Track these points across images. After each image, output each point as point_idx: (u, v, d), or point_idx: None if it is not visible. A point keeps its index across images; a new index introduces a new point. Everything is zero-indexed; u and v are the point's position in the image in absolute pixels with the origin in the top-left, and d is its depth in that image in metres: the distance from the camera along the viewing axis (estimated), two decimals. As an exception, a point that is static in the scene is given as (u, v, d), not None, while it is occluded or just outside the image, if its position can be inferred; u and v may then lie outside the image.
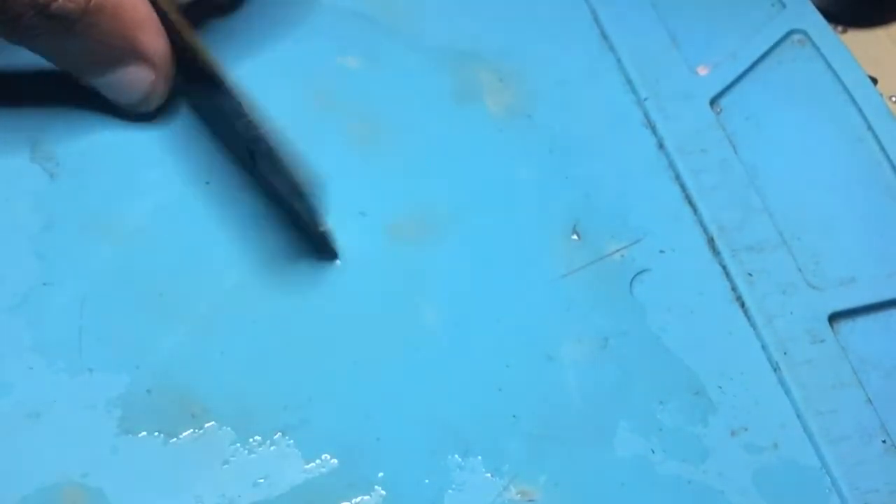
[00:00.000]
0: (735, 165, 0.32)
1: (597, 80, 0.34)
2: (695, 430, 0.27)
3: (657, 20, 0.35)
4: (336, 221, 0.28)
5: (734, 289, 0.30)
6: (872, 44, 0.38)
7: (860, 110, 0.33)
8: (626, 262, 0.30)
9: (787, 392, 0.28)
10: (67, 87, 0.28)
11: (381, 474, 0.24)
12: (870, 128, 0.32)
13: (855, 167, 0.32)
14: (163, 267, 0.27)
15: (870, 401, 0.28)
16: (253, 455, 0.24)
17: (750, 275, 0.30)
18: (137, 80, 0.27)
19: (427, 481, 0.25)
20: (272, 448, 0.24)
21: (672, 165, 0.32)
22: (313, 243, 0.27)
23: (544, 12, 0.35)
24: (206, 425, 0.24)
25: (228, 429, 0.24)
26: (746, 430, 0.27)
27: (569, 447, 0.26)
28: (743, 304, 0.29)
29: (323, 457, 0.24)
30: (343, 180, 0.29)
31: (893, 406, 0.28)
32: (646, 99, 0.33)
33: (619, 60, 0.34)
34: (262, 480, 0.24)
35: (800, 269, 0.30)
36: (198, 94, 0.29)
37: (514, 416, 0.26)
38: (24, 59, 0.27)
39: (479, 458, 0.25)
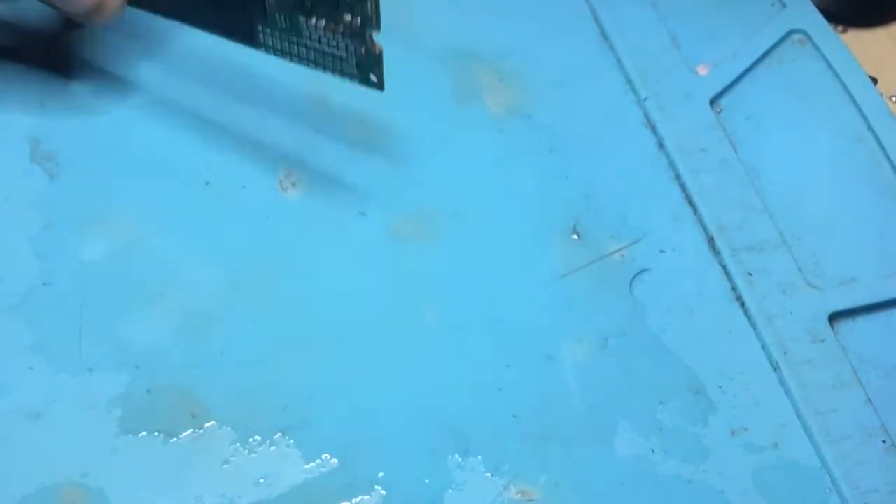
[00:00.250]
0: (735, 165, 0.32)
1: (597, 80, 0.34)
2: (695, 430, 0.27)
3: (657, 20, 0.35)
4: (336, 221, 0.29)
5: (734, 289, 0.30)
6: (872, 44, 0.38)
7: (860, 110, 0.33)
8: (626, 262, 0.30)
9: (787, 392, 0.28)
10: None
11: (381, 474, 0.24)
12: (870, 128, 0.32)
13: (855, 167, 0.32)
14: (163, 267, 0.27)
15: (870, 401, 0.28)
16: (253, 455, 0.24)
17: (750, 275, 0.30)
18: None
19: (427, 481, 0.25)
20: (272, 448, 0.24)
21: (672, 165, 0.32)
22: (362, 71, 0.27)
23: (544, 12, 0.35)
24: (206, 425, 0.24)
25: (228, 429, 0.24)
26: (746, 430, 0.27)
27: (569, 447, 0.26)
28: (743, 304, 0.29)
29: (323, 457, 0.24)
30: (343, 180, 0.29)
31: (893, 406, 0.28)
32: (646, 99, 0.33)
33: (619, 60, 0.34)
34: (262, 480, 0.24)
35: (800, 269, 0.30)
36: None
37: (514, 416, 0.26)
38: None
39: (479, 458, 0.25)
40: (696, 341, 0.28)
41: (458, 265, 0.28)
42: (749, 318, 0.29)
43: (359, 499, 0.24)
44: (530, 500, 0.25)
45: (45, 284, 0.26)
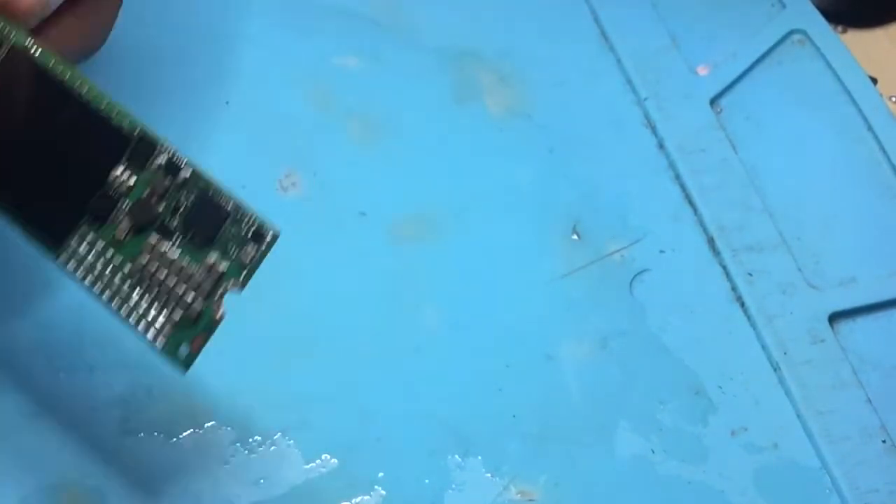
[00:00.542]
0: (735, 165, 0.32)
1: (597, 80, 0.34)
2: (695, 430, 0.27)
3: (657, 20, 0.35)
4: (336, 221, 0.29)
5: (734, 289, 0.30)
6: (872, 44, 0.38)
7: (860, 110, 0.33)
8: (626, 262, 0.30)
9: (787, 392, 0.28)
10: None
11: (381, 474, 0.24)
12: (870, 128, 0.32)
13: (855, 167, 0.32)
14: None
15: (870, 401, 0.28)
16: (253, 455, 0.24)
17: (750, 275, 0.30)
18: None
19: (427, 481, 0.25)
20: (272, 448, 0.24)
21: (672, 165, 0.32)
22: (174, 335, 0.21)
23: (544, 12, 0.35)
24: (206, 425, 0.24)
25: (228, 429, 0.24)
26: (746, 430, 0.27)
27: (569, 447, 0.26)
28: (743, 304, 0.29)
29: (323, 457, 0.24)
30: (343, 180, 0.29)
31: (893, 406, 0.28)
32: (646, 99, 0.33)
33: (619, 60, 0.34)
34: (262, 480, 0.24)
35: (800, 269, 0.30)
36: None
37: (514, 416, 0.26)
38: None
39: (479, 458, 0.25)
40: (696, 341, 0.28)
41: (458, 265, 0.28)
42: (749, 318, 0.29)
43: (359, 499, 0.24)
44: (530, 500, 0.25)
45: (45, 284, 0.26)
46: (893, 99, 0.36)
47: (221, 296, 0.21)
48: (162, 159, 0.21)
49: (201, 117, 0.30)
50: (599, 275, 0.29)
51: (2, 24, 0.20)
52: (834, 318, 0.29)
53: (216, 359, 0.25)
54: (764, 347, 0.28)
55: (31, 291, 0.25)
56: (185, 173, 0.21)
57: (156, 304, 0.20)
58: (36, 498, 0.22)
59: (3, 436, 0.23)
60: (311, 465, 0.24)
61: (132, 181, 0.21)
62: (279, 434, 0.25)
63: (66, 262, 0.21)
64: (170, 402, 0.24)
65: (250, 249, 0.21)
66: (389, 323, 0.27)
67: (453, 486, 0.25)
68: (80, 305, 0.25)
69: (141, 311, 0.20)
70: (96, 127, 0.21)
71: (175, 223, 0.21)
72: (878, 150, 0.32)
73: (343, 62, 0.32)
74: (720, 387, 0.28)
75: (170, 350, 0.20)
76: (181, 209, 0.21)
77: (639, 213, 0.31)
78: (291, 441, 0.24)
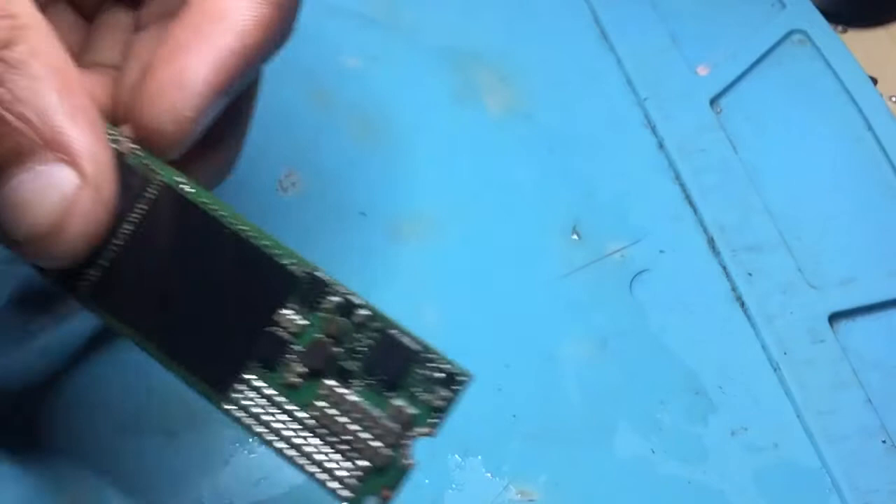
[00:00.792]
0: (735, 165, 0.32)
1: (597, 80, 0.34)
2: (695, 430, 0.27)
3: (657, 20, 0.35)
4: (336, 221, 0.29)
5: (734, 289, 0.30)
6: (872, 44, 0.38)
7: (860, 110, 0.33)
8: (626, 262, 0.30)
9: (787, 392, 0.28)
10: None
11: (381, 474, 0.24)
12: (870, 128, 0.32)
13: (855, 167, 0.32)
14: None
15: (870, 401, 0.28)
16: (253, 455, 0.24)
17: (750, 275, 0.30)
18: (48, 186, 0.17)
19: (427, 481, 0.25)
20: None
21: (672, 165, 0.32)
22: (362, 488, 0.19)
23: (544, 12, 0.35)
24: (206, 425, 0.24)
25: (229, 429, 0.24)
26: (746, 430, 0.27)
27: (569, 447, 0.26)
28: (743, 304, 0.29)
29: (323, 457, 0.24)
30: (343, 180, 0.29)
31: (893, 406, 0.28)
32: (646, 99, 0.33)
33: (619, 60, 0.34)
34: (262, 480, 0.24)
35: (800, 269, 0.30)
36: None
37: (514, 416, 0.26)
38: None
39: (479, 458, 0.25)
40: (696, 341, 0.28)
41: (457, 265, 0.28)
42: (749, 318, 0.29)
43: (359, 499, 0.24)
44: (530, 500, 0.25)
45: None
46: (893, 99, 0.36)
47: (411, 443, 0.19)
48: (335, 299, 0.19)
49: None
50: (599, 275, 0.29)
51: (147, 160, 0.20)
52: (834, 318, 0.29)
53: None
54: (764, 347, 0.28)
55: (32, 290, 0.25)
56: (362, 313, 0.19)
57: (338, 453, 0.19)
58: (36, 498, 0.22)
59: (3, 436, 0.23)
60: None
61: (302, 323, 0.19)
62: (279, 434, 0.24)
63: (233, 410, 0.19)
64: (170, 402, 0.24)
65: (441, 393, 0.19)
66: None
67: (453, 486, 0.25)
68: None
69: (321, 461, 0.19)
70: (258, 266, 0.20)
71: (354, 366, 0.19)
72: (878, 150, 0.32)
73: (343, 62, 0.32)
74: (720, 387, 0.28)
75: (355, 502, 0.19)
76: (360, 351, 0.19)
77: (639, 213, 0.31)
78: (291, 441, 0.24)
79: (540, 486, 0.25)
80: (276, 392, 0.19)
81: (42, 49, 0.17)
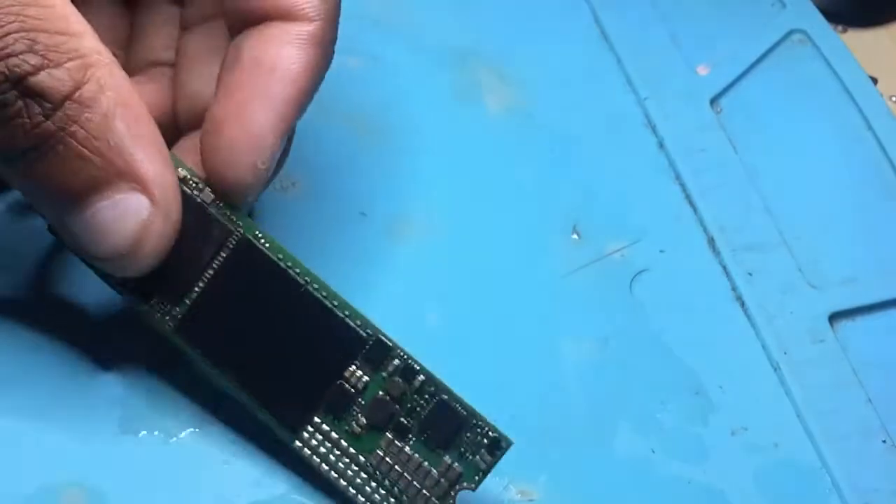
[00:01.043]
0: (735, 165, 0.32)
1: (597, 80, 0.34)
2: (695, 430, 0.27)
3: (657, 20, 0.35)
4: (336, 221, 0.28)
5: (734, 288, 0.30)
6: (872, 44, 0.38)
7: (860, 110, 0.33)
8: (626, 262, 0.30)
9: (787, 392, 0.28)
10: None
11: (381, 474, 0.24)
12: (870, 128, 0.32)
13: (855, 167, 0.32)
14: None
15: (870, 401, 0.28)
16: (253, 455, 0.24)
17: (750, 274, 0.30)
18: (125, 213, 0.19)
19: (427, 481, 0.25)
20: (272, 448, 0.24)
21: (672, 165, 0.32)
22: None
23: (544, 12, 0.35)
24: (206, 425, 0.24)
25: (228, 429, 0.24)
26: (746, 430, 0.27)
27: (569, 447, 0.26)
28: (743, 304, 0.29)
29: (323, 457, 0.24)
30: (343, 180, 0.29)
31: (893, 406, 0.28)
32: (646, 99, 0.33)
33: (619, 60, 0.34)
34: (261, 480, 0.24)
35: (800, 269, 0.30)
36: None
37: (513, 416, 0.26)
38: None
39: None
40: (696, 341, 0.28)
41: (458, 265, 0.28)
42: (749, 318, 0.29)
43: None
44: (530, 500, 0.25)
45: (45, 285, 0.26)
46: (893, 99, 0.36)
47: (455, 495, 0.22)
48: (396, 363, 0.22)
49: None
50: (599, 275, 0.29)
51: (227, 209, 0.22)
52: (834, 318, 0.29)
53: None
54: (764, 347, 0.28)
55: (32, 291, 0.25)
56: (420, 378, 0.22)
57: (392, 497, 0.22)
58: (36, 498, 0.22)
59: (3, 436, 0.23)
60: (311, 465, 0.24)
61: (366, 380, 0.22)
62: (279, 434, 0.24)
63: (302, 448, 0.22)
64: (170, 402, 0.24)
65: (486, 456, 0.22)
66: (389, 323, 0.27)
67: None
68: (80, 304, 0.25)
69: (377, 501, 0.22)
70: (329, 324, 0.22)
71: (411, 423, 0.22)
72: (878, 150, 0.32)
73: (343, 62, 0.32)
74: (720, 387, 0.28)
75: None
76: (417, 412, 0.22)
77: (639, 213, 0.31)
78: (291, 441, 0.24)
79: (540, 486, 0.25)
80: (339, 438, 0.22)
81: (109, 84, 0.18)
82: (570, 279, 0.29)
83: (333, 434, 0.22)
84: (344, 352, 0.22)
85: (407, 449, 0.22)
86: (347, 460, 0.22)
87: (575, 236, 0.30)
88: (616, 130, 0.33)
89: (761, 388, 0.28)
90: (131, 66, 0.25)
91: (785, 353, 0.28)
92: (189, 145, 0.23)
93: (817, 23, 0.34)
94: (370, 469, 0.22)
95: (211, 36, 0.24)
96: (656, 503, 0.25)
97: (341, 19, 0.23)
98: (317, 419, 0.22)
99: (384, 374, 0.22)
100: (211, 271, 0.22)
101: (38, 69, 0.17)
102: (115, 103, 0.19)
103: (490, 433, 0.22)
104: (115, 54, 0.20)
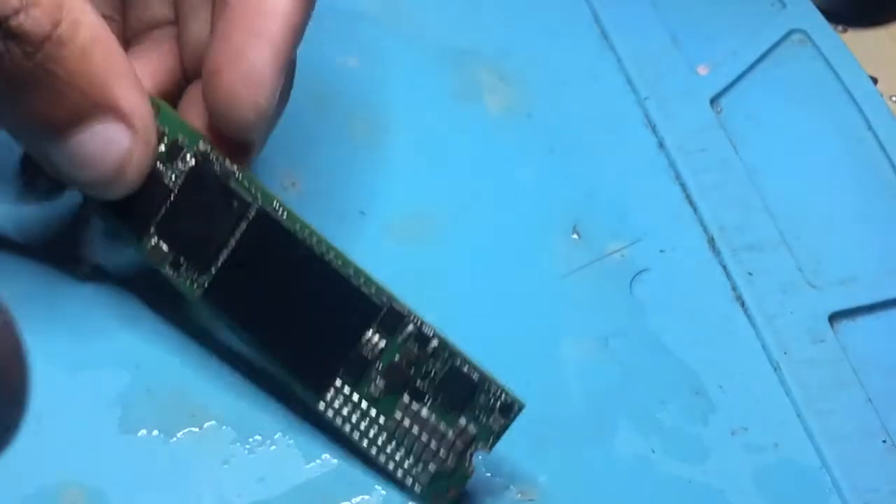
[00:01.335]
0: (735, 165, 0.32)
1: (597, 80, 0.34)
2: (695, 430, 0.27)
3: (657, 20, 0.35)
4: (336, 221, 0.29)
5: (734, 288, 0.30)
6: (872, 44, 0.38)
7: (860, 110, 0.33)
8: (626, 262, 0.30)
9: (787, 392, 0.28)
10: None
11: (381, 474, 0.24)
12: (870, 128, 0.32)
13: (855, 167, 0.32)
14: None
15: (870, 400, 0.28)
16: (253, 455, 0.24)
17: (750, 274, 0.30)
18: (108, 143, 0.21)
19: (427, 481, 0.25)
20: (272, 448, 0.24)
21: (672, 165, 0.32)
22: (432, 485, 0.23)
23: (544, 12, 0.35)
24: (206, 425, 0.24)
25: (228, 429, 0.24)
26: (746, 429, 0.27)
27: (569, 447, 0.26)
28: (743, 304, 0.29)
29: (323, 457, 0.24)
30: (343, 180, 0.29)
31: (893, 406, 0.28)
32: (646, 99, 0.33)
33: (619, 60, 0.34)
34: (262, 480, 0.24)
35: (800, 269, 0.30)
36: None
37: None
38: None
39: (479, 457, 0.25)
40: (696, 341, 0.28)
41: (457, 265, 0.28)
42: (749, 318, 0.29)
43: (359, 499, 0.24)
44: (530, 500, 0.25)
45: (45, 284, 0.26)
46: (894, 99, 0.36)
47: (472, 455, 0.23)
48: (411, 329, 0.23)
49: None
50: (599, 274, 0.29)
51: (245, 179, 0.23)
52: (834, 317, 0.29)
53: (216, 358, 0.25)
54: (764, 347, 0.28)
55: (31, 291, 0.25)
56: (434, 343, 0.23)
57: (411, 456, 0.23)
58: (36, 498, 0.22)
59: (3, 436, 0.23)
60: (311, 464, 0.24)
61: (383, 345, 0.23)
62: (279, 434, 0.24)
63: (325, 410, 0.23)
64: (170, 401, 0.24)
65: (499, 418, 0.23)
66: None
67: (453, 485, 0.25)
68: (80, 303, 0.25)
69: (397, 460, 0.23)
70: (345, 291, 0.23)
71: (426, 387, 0.23)
72: (878, 150, 0.32)
73: (343, 62, 0.32)
74: (720, 387, 0.28)
75: (424, 494, 0.23)
76: (431, 376, 0.23)
77: (639, 213, 0.31)
78: (291, 441, 0.24)
79: (540, 486, 0.25)
80: (359, 400, 0.23)
81: (84, 21, 0.19)
82: (570, 279, 0.29)
83: (355, 396, 0.23)
84: (360, 318, 0.23)
85: (423, 412, 0.23)
86: (368, 422, 0.23)
87: (575, 236, 0.30)
88: (616, 130, 0.33)
89: (761, 388, 0.28)
90: (132, 30, 0.25)
91: (785, 353, 0.28)
92: (195, 92, 0.24)
93: (817, 23, 0.34)
94: (391, 430, 0.23)
95: None
96: (656, 503, 0.25)
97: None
98: (338, 382, 0.23)
99: (399, 339, 0.23)
100: (234, 242, 0.23)
101: (17, 11, 0.18)
102: (92, 40, 0.19)
103: (503, 396, 0.23)
104: (112, 20, 0.21)
